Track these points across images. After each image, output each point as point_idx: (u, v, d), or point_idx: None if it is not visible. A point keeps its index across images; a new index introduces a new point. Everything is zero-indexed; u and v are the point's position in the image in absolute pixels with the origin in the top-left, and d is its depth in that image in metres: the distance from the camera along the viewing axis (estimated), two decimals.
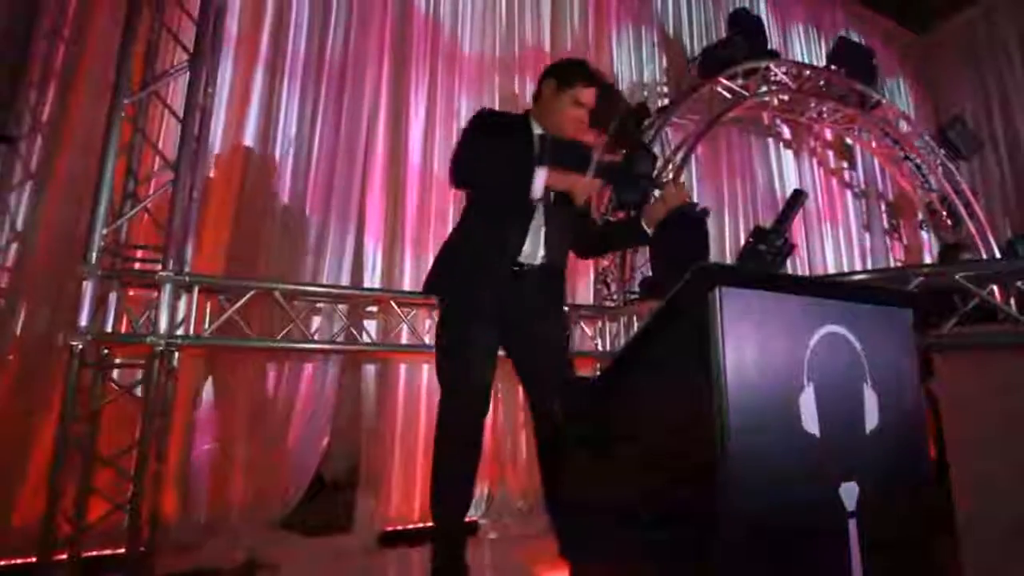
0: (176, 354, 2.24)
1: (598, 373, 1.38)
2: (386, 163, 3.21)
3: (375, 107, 3.27)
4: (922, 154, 4.92)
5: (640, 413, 0.83)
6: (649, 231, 1.79)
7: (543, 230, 1.72)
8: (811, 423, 0.74)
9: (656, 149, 3.88)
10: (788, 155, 5.08)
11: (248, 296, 2.27)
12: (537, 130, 1.77)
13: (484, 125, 1.74)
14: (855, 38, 5.59)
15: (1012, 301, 2.17)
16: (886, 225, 5.46)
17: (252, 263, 2.73)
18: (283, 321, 2.55)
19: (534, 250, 1.72)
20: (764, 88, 4.22)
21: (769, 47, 4.47)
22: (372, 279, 3.06)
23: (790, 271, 4.57)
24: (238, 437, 2.72)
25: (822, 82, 4.46)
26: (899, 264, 5.49)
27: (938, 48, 6.05)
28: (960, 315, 2.17)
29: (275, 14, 3.09)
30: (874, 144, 5.01)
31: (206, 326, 2.28)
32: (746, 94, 4.06)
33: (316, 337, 2.69)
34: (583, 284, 3.49)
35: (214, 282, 2.33)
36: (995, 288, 2.15)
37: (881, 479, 0.79)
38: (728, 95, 4.08)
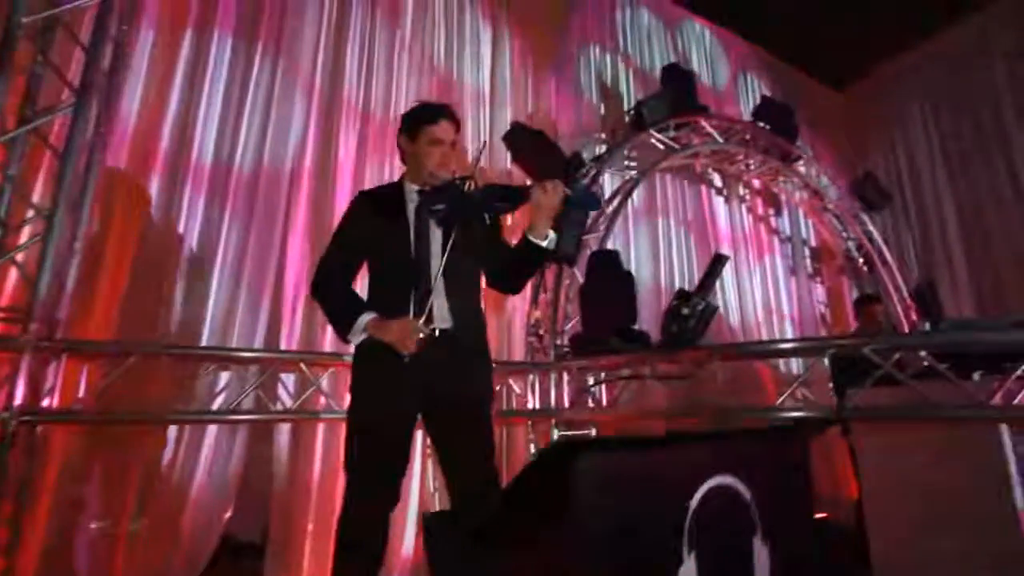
0: (38, 429, 1.95)
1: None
2: (309, 213, 3.05)
3: (302, 145, 3.11)
4: (839, 205, 5.23)
5: None
6: (543, 243, 1.60)
7: (443, 291, 1.63)
8: None
9: None
10: (719, 201, 5.28)
11: (128, 363, 2.03)
12: (414, 187, 1.73)
13: (347, 222, 1.74)
14: (780, 91, 5.96)
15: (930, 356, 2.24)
16: (809, 269, 5.73)
17: (151, 322, 2.48)
18: (185, 386, 2.31)
19: (440, 313, 1.63)
20: (695, 140, 4.37)
21: (700, 100, 4.66)
22: (292, 335, 2.86)
23: (723, 316, 4.68)
24: (126, 513, 2.43)
25: (748, 136, 4.68)
26: (821, 305, 5.79)
27: (854, 105, 6.52)
28: (875, 378, 2.25)
29: (193, 46, 2.91)
30: (797, 195, 5.28)
31: (81, 395, 2.02)
32: (676, 147, 4.19)
33: (221, 400, 2.47)
34: (517, 336, 3.41)
35: (89, 347, 2.06)
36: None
37: None
38: (661, 146, 4.19)
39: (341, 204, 3.12)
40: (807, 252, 5.78)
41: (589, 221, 3.74)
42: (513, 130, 3.60)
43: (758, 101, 5.24)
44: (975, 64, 5.48)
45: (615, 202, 3.99)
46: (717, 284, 4.01)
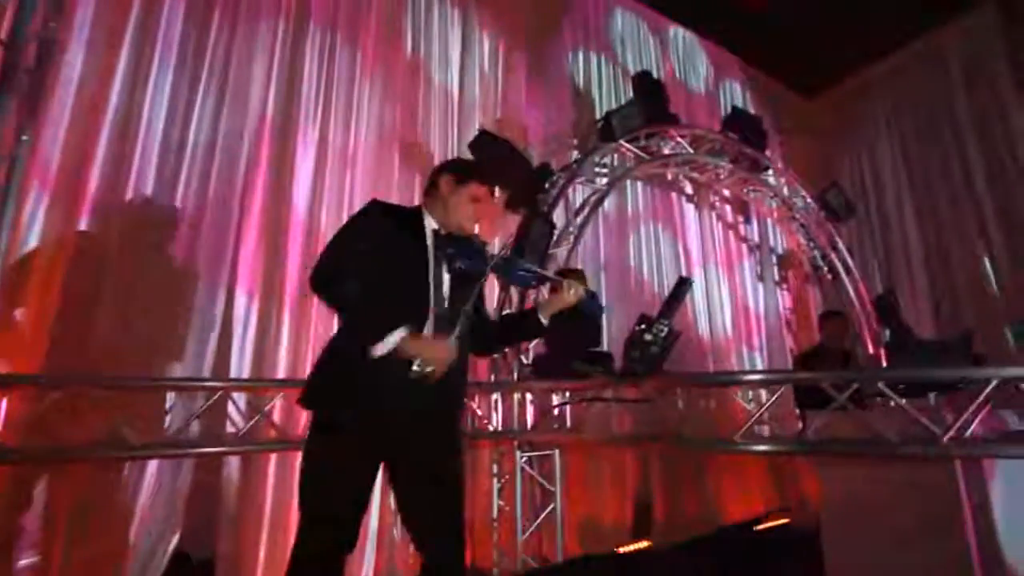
0: None
1: None
2: (262, 223, 2.89)
3: (255, 152, 2.95)
4: (805, 215, 5.29)
5: None
6: (545, 322, 1.74)
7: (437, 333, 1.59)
8: None
9: (561, 206, 3.84)
10: (690, 208, 5.28)
11: (54, 396, 1.88)
12: (432, 224, 1.70)
13: (368, 229, 1.63)
14: (756, 99, 5.99)
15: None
16: (776, 277, 5.79)
17: (83, 349, 2.30)
18: (127, 411, 2.17)
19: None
20: (665, 150, 4.34)
21: (678, 107, 4.62)
22: (244, 354, 2.72)
23: (691, 322, 4.69)
24: (59, 543, 2.29)
25: (718, 146, 4.66)
26: (787, 311, 5.87)
27: (823, 114, 6.59)
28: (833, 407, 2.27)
29: (138, 29, 2.71)
30: (766, 204, 5.32)
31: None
32: (646, 157, 4.14)
33: (168, 422, 2.34)
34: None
35: (9, 380, 1.90)
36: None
37: None
38: (631, 155, 4.14)
39: (297, 217, 2.99)
40: (775, 259, 5.85)
41: (558, 232, 3.66)
42: (479, 137, 3.48)
43: (728, 110, 5.23)
44: (937, 70, 5.60)
45: (584, 212, 3.92)
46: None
